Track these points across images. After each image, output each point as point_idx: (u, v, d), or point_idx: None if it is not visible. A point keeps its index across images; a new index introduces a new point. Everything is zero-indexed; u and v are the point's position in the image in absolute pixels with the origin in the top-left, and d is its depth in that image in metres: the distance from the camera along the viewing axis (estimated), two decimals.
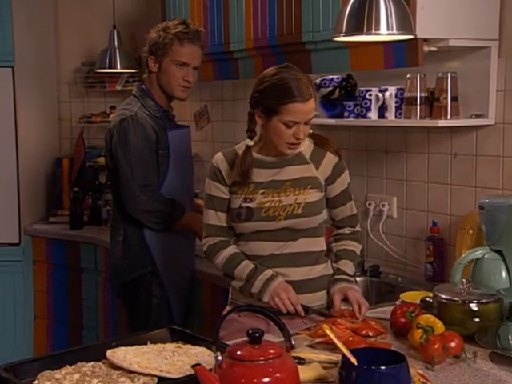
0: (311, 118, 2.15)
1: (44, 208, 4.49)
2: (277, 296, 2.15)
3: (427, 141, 2.86)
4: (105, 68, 4.24)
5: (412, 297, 2.35)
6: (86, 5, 4.64)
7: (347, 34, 2.04)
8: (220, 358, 1.48)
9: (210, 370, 1.49)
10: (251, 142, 2.23)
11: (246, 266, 2.20)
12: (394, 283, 2.85)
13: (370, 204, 3.10)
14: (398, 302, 2.35)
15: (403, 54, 2.45)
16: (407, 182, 2.97)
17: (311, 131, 2.22)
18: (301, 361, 1.74)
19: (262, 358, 1.48)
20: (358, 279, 2.91)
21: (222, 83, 3.95)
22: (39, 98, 4.43)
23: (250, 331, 1.51)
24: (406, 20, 2.01)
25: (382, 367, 1.52)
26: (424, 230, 2.88)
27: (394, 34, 2.02)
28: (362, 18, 1.99)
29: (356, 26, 2.01)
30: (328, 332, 1.61)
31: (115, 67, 4.20)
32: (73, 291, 4.09)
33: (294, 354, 1.78)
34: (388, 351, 1.64)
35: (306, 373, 1.69)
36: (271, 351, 1.49)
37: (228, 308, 2.29)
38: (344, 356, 1.55)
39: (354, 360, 1.55)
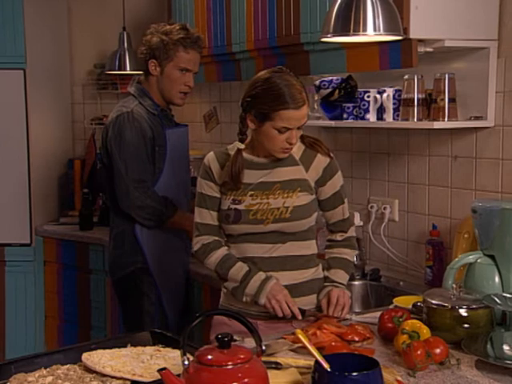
0: (304, 123, 2.14)
1: (56, 209, 4.53)
2: (273, 298, 2.13)
3: (428, 143, 2.82)
4: (114, 70, 4.25)
5: (405, 301, 2.32)
6: (99, 7, 4.67)
7: (334, 34, 2.01)
8: (186, 362, 1.47)
9: (179, 375, 1.48)
10: (242, 146, 2.23)
11: (241, 268, 2.19)
12: (393, 287, 2.81)
13: (372, 207, 3.06)
14: (391, 307, 2.32)
15: (398, 55, 2.41)
16: (409, 185, 2.93)
17: (302, 132, 2.20)
18: (278, 366, 1.73)
19: (230, 363, 1.46)
20: (357, 283, 2.91)
21: (231, 85, 3.95)
22: (52, 99, 4.47)
23: (219, 335, 1.49)
24: (393, 20, 1.98)
25: (354, 373, 1.51)
26: (425, 234, 2.84)
27: (381, 35, 1.99)
28: (349, 18, 1.96)
29: (343, 27, 1.98)
30: (301, 337, 1.59)
31: (125, 69, 4.22)
32: (82, 292, 4.11)
33: (271, 359, 1.77)
34: (364, 357, 1.61)
35: (281, 378, 1.67)
36: (239, 356, 1.47)
37: None
38: (317, 361, 1.54)
39: (326, 365, 1.53)
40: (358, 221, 3.03)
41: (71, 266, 4.15)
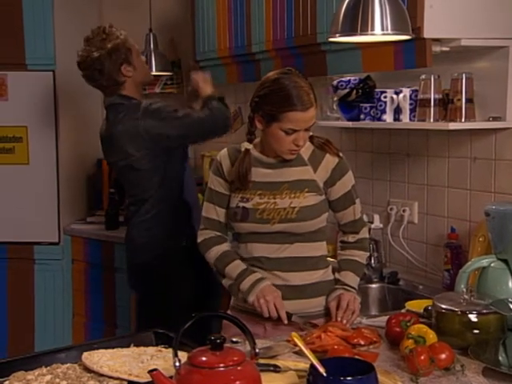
0: (312, 125, 2.12)
1: (85, 208, 4.58)
2: (262, 298, 2.12)
3: (447, 144, 2.76)
4: None
5: (418, 305, 2.28)
6: (128, 9, 4.71)
7: (342, 34, 1.99)
8: (177, 364, 1.46)
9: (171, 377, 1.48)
10: (250, 146, 2.23)
11: (238, 266, 2.19)
12: (411, 291, 2.77)
13: (391, 209, 3.02)
14: (403, 311, 2.29)
15: (412, 55, 2.37)
16: (428, 187, 2.88)
17: (311, 133, 2.18)
18: (276, 369, 1.71)
19: (221, 365, 1.45)
20: (375, 285, 2.87)
21: (255, 85, 3.92)
22: (82, 100, 4.51)
23: (212, 337, 1.49)
24: (401, 20, 1.94)
25: (348, 378, 1.49)
26: (444, 236, 2.79)
27: (389, 35, 1.96)
28: (356, 18, 1.93)
29: (350, 27, 1.96)
30: (297, 340, 1.58)
31: (150, 70, 4.23)
32: (107, 291, 4.15)
33: (271, 362, 1.76)
34: (362, 362, 1.59)
35: (279, 381, 1.66)
36: (232, 358, 1.47)
37: (229, 312, 2.27)
38: (312, 365, 1.52)
39: (321, 369, 1.52)
40: (377, 223, 3.01)
41: (97, 265, 4.20)
